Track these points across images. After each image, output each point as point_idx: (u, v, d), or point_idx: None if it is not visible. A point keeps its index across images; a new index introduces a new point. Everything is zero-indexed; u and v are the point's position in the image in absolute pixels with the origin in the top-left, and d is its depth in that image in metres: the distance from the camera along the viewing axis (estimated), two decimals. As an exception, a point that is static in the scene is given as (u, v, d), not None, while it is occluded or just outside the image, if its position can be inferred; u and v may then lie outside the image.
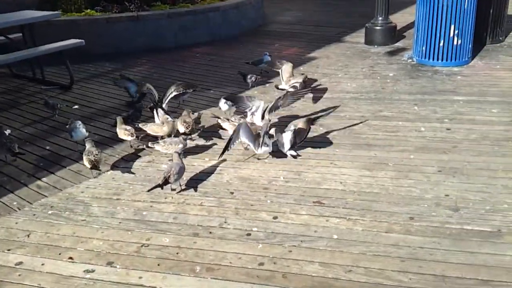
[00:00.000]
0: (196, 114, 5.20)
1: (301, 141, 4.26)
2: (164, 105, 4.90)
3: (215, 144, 4.60)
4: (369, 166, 4.04)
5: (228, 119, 4.61)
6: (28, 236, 3.33)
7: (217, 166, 4.18)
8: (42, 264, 3.04)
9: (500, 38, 7.54)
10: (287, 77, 5.77)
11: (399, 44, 7.93)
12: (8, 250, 3.19)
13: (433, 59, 6.62)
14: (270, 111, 4.64)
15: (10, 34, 6.76)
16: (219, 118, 4.72)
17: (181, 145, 4.18)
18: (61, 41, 6.47)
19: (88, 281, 2.87)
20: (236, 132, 4.05)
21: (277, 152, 4.28)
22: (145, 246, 3.17)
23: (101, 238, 3.27)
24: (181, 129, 4.54)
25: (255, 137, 4.16)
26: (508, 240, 3.04)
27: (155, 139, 4.52)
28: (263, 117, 4.60)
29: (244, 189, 3.81)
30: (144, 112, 5.13)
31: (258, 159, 4.25)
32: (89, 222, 3.46)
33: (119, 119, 4.54)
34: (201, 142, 4.66)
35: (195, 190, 3.82)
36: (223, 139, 4.62)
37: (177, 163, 3.77)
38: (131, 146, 4.58)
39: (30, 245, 3.23)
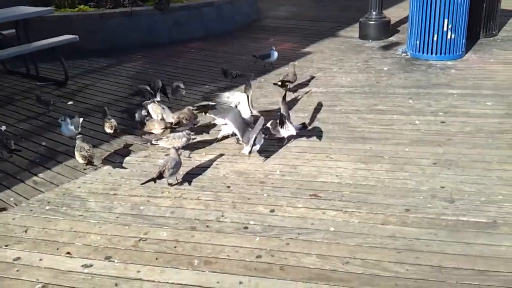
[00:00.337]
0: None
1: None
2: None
3: (211, 139, 4.60)
4: (364, 159, 4.07)
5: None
6: (26, 231, 3.33)
7: (214, 161, 4.19)
8: (40, 259, 3.04)
9: (494, 32, 7.58)
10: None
11: (393, 38, 7.95)
12: (6, 245, 3.18)
13: (427, 53, 6.65)
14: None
15: (4, 30, 6.73)
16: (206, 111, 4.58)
17: (184, 139, 4.18)
18: (55, 37, 6.43)
19: (86, 276, 2.88)
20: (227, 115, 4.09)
21: (272, 146, 4.29)
22: (143, 240, 3.18)
23: (98, 233, 3.28)
24: (170, 119, 4.55)
25: (245, 129, 4.13)
26: (504, 230, 3.07)
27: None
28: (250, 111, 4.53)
29: (240, 183, 3.82)
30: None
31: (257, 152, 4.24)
32: (87, 217, 3.46)
33: (104, 111, 4.59)
34: (198, 137, 4.65)
35: (192, 185, 3.83)
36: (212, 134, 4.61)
37: (173, 157, 3.77)
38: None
39: (27, 241, 3.22)
